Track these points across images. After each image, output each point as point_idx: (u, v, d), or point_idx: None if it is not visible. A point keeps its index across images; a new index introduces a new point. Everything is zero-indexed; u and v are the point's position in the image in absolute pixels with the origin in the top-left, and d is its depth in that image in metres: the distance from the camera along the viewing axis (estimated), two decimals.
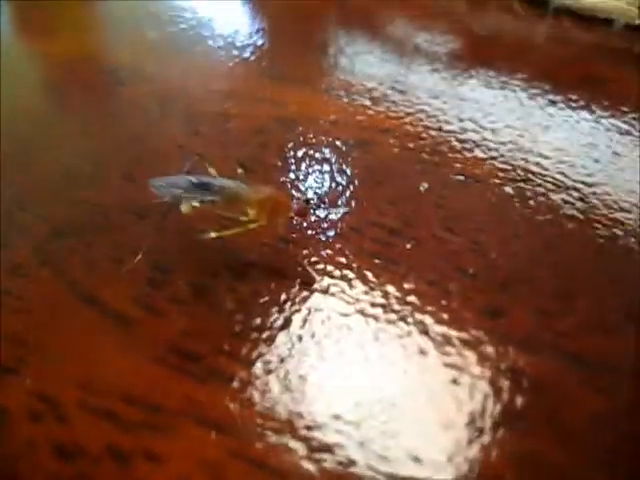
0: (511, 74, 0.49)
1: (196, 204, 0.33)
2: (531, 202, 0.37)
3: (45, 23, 0.57)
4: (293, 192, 0.36)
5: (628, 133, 0.43)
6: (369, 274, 0.34)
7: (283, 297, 0.32)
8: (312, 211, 0.32)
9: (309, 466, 0.26)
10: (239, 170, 0.34)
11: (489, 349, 0.30)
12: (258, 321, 0.31)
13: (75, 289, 0.33)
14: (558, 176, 0.39)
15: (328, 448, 0.27)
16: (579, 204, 0.37)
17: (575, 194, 0.38)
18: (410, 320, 0.31)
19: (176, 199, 0.33)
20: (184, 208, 0.33)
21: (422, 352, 0.30)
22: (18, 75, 0.51)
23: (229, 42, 0.54)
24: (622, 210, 0.36)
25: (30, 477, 0.26)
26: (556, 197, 0.37)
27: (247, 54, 0.52)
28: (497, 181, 0.39)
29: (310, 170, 0.39)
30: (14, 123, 0.45)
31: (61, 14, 0.57)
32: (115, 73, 0.50)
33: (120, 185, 0.39)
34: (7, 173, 0.39)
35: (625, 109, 0.45)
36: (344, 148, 0.41)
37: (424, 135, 0.42)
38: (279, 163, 0.41)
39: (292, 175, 0.40)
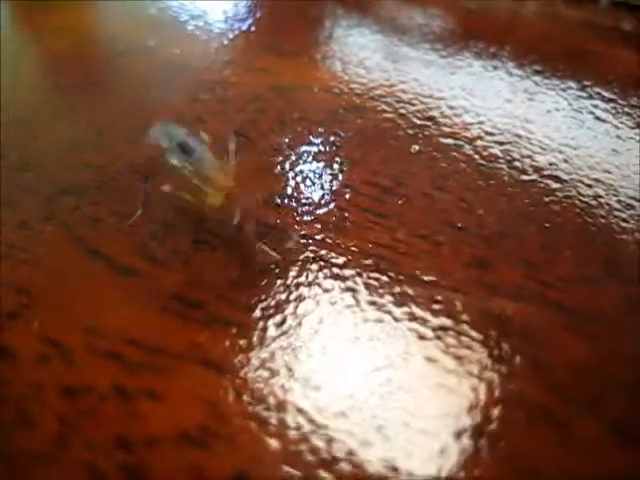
0: (500, 47, 0.49)
1: (175, 162, 0.32)
2: (517, 163, 0.38)
3: None
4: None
5: (611, 100, 0.43)
6: (362, 226, 0.34)
7: (279, 248, 0.32)
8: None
9: (305, 403, 0.27)
10: (231, 145, 0.34)
11: (476, 297, 0.30)
12: (256, 271, 0.32)
13: (79, 243, 0.33)
14: (543, 139, 0.39)
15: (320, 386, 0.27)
16: (563, 165, 0.37)
17: (560, 156, 0.38)
18: (400, 269, 0.32)
19: (161, 149, 0.33)
20: (170, 161, 0.33)
21: (411, 299, 0.31)
22: (21, 48, 0.51)
23: (228, 15, 0.54)
24: (603, 171, 0.37)
25: (38, 416, 0.27)
26: (541, 158, 0.38)
27: (245, 27, 0.52)
28: (485, 144, 0.39)
29: (305, 133, 0.39)
30: (19, 94, 0.45)
31: None
32: (115, 45, 0.50)
33: (123, 149, 0.39)
34: (13, 138, 0.39)
35: (608, 79, 0.45)
36: (338, 112, 0.41)
37: (415, 101, 0.43)
38: (275, 128, 0.40)
39: (287, 139, 0.40)
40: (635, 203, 0.35)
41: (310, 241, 0.33)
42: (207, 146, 0.34)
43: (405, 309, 0.30)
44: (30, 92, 0.46)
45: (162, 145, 0.34)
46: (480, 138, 0.39)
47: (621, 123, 0.41)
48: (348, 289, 0.31)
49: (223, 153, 0.34)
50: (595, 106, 0.43)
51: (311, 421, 0.27)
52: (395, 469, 0.24)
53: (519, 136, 0.40)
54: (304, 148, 0.39)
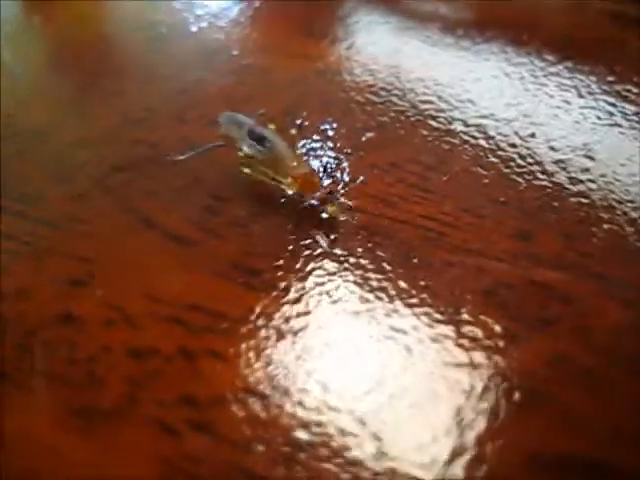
0: (529, 34, 0.49)
1: (247, 151, 0.34)
2: (554, 143, 0.39)
3: None
4: (326, 179, 0.37)
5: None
6: (409, 201, 0.35)
7: (331, 220, 0.33)
8: (332, 203, 0.32)
9: (356, 358, 0.28)
10: (292, 131, 0.35)
11: (520, 265, 0.31)
12: (309, 240, 0.33)
13: (137, 215, 0.34)
14: (576, 122, 0.40)
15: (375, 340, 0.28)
16: (597, 146, 0.39)
17: (594, 137, 0.39)
18: (448, 239, 0.33)
19: (231, 137, 0.35)
20: (242, 152, 0.35)
21: (459, 267, 0.32)
22: (69, 34, 0.52)
23: (269, 2, 0.54)
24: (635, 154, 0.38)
25: (107, 376, 0.28)
26: (576, 139, 0.39)
27: (286, 12, 0.52)
28: (521, 124, 0.41)
29: (349, 114, 0.40)
30: (68, 75, 0.46)
31: None
32: (157, 29, 0.51)
33: (173, 126, 0.40)
34: (68, 118, 0.40)
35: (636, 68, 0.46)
36: (380, 94, 0.42)
37: (452, 84, 0.44)
38: (319, 110, 0.41)
39: (330, 119, 0.41)
40: None
41: (360, 214, 0.33)
42: (276, 135, 0.35)
43: (453, 276, 0.31)
44: (80, 74, 0.46)
45: (232, 135, 0.35)
46: (517, 120, 0.40)
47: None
48: (399, 257, 0.32)
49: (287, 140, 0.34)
50: (625, 97, 0.42)
51: (368, 377, 0.27)
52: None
53: (555, 116, 0.40)
54: (349, 128, 0.39)
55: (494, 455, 0.25)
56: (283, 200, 0.34)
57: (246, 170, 0.34)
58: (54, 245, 0.33)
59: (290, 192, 0.34)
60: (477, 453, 0.25)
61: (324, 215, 0.33)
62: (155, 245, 0.33)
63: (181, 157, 0.36)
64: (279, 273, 0.31)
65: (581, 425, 0.26)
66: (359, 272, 0.31)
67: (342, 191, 0.35)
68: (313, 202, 0.33)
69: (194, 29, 0.50)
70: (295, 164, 0.34)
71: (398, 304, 0.29)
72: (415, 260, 0.31)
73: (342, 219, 0.33)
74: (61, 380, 0.28)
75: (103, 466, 0.25)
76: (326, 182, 0.34)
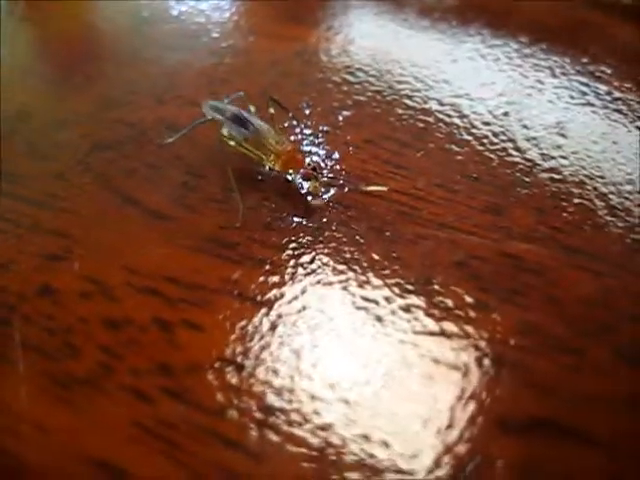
0: (505, 17, 0.49)
1: (232, 133, 0.34)
2: (526, 122, 0.40)
3: None
4: (312, 157, 0.37)
5: (611, 74, 0.44)
6: (383, 176, 0.35)
7: (305, 193, 0.34)
8: (316, 179, 0.33)
9: (332, 332, 0.28)
10: (271, 110, 0.35)
11: (492, 238, 0.32)
12: (285, 214, 0.33)
13: (116, 192, 0.34)
14: (549, 101, 0.41)
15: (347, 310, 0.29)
16: (570, 125, 0.39)
17: (567, 115, 0.39)
18: (420, 214, 0.33)
19: (216, 122, 0.35)
20: (224, 132, 0.35)
21: (431, 241, 0.32)
22: (52, 18, 0.52)
23: None
24: (605, 131, 0.38)
25: (83, 346, 0.28)
26: (549, 117, 0.39)
27: None
28: (496, 103, 0.41)
29: (326, 94, 0.40)
30: (51, 58, 0.46)
31: None
32: (141, 14, 0.51)
33: (153, 107, 0.40)
34: (50, 101, 0.40)
35: (608, 52, 0.46)
36: (357, 75, 0.42)
37: (429, 65, 0.44)
38: (298, 89, 0.41)
39: (309, 99, 0.41)
40: (634, 155, 0.35)
41: (335, 189, 0.33)
42: (258, 116, 0.35)
43: (425, 249, 0.32)
44: (63, 57, 0.46)
45: (216, 119, 0.35)
46: (491, 99, 0.40)
47: (622, 92, 0.41)
48: (372, 231, 0.32)
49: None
50: (598, 77, 0.42)
51: (340, 345, 0.28)
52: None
53: (528, 95, 0.40)
54: (326, 107, 0.39)
55: (465, 420, 0.25)
56: (260, 177, 0.34)
57: (231, 143, 0.34)
58: (35, 222, 0.33)
59: (275, 169, 0.34)
60: (448, 419, 0.25)
61: (305, 190, 0.33)
62: (133, 221, 0.33)
63: (169, 140, 0.36)
64: (254, 246, 0.31)
65: (549, 392, 0.26)
66: (333, 245, 0.32)
67: (324, 167, 0.34)
68: (297, 178, 0.33)
69: (175, 12, 0.49)
70: (278, 142, 0.34)
71: (371, 276, 0.30)
72: (388, 233, 0.31)
73: (323, 195, 0.33)
74: (39, 350, 0.28)
75: (80, 432, 0.25)
76: (308, 159, 0.33)
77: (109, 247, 0.31)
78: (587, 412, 0.25)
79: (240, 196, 0.32)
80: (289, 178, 0.34)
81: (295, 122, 0.38)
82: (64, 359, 0.27)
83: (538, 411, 0.25)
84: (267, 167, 0.34)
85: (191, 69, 0.43)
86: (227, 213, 0.33)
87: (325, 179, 0.34)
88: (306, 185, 0.33)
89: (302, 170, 0.33)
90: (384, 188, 0.32)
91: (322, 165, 0.35)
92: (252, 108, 0.36)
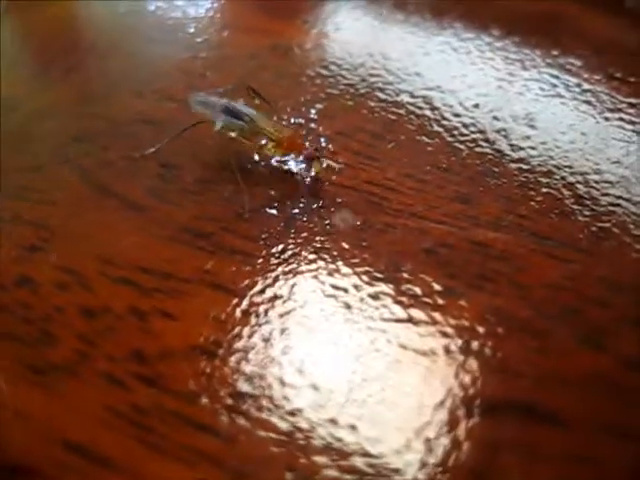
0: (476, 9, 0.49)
1: (228, 125, 0.34)
2: (496, 113, 0.40)
3: None
4: (308, 138, 0.37)
5: (581, 66, 0.44)
6: (354, 167, 0.36)
7: (279, 184, 0.34)
8: (319, 160, 0.33)
9: (303, 319, 0.29)
10: (256, 101, 0.35)
11: (460, 227, 0.32)
12: (258, 205, 0.34)
13: (93, 184, 0.35)
14: (519, 93, 0.42)
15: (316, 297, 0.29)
16: (541, 115, 0.40)
17: (537, 106, 0.40)
18: (389, 204, 0.34)
19: (206, 117, 0.35)
20: (217, 126, 0.35)
21: (400, 229, 0.32)
22: (32, 12, 0.52)
23: None
24: (575, 120, 0.38)
25: (60, 335, 0.28)
26: (518, 108, 0.40)
27: None
28: (467, 95, 0.41)
29: (300, 86, 0.40)
30: (31, 53, 0.46)
31: None
32: (119, 8, 0.51)
33: (130, 101, 0.40)
34: (29, 94, 0.41)
35: (581, 41, 0.46)
36: (330, 68, 0.42)
37: (401, 58, 0.44)
38: (273, 82, 0.42)
39: (283, 92, 0.41)
40: (602, 146, 0.36)
41: (307, 180, 0.34)
42: (249, 106, 0.36)
43: (394, 238, 0.32)
44: (43, 51, 0.46)
45: (206, 115, 0.36)
46: (462, 91, 0.40)
47: (592, 84, 0.42)
48: (342, 220, 0.32)
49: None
50: (568, 70, 0.43)
51: (309, 331, 0.28)
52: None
53: (499, 87, 0.40)
54: (300, 99, 0.39)
55: (432, 404, 0.26)
56: (250, 167, 0.34)
57: (232, 134, 0.34)
58: (14, 214, 0.33)
59: (278, 156, 0.35)
60: (416, 403, 0.26)
61: (312, 173, 0.34)
62: (110, 212, 0.33)
63: (152, 150, 0.36)
64: (228, 236, 0.32)
65: (515, 373, 0.26)
66: (304, 234, 0.32)
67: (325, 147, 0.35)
68: (299, 161, 0.34)
69: (152, 7, 0.50)
70: (276, 129, 0.34)
71: (340, 264, 0.30)
72: (358, 223, 0.31)
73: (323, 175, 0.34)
74: (17, 339, 0.28)
75: (56, 417, 0.26)
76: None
77: (86, 238, 0.31)
78: (552, 393, 0.26)
79: (234, 186, 0.33)
80: (288, 166, 0.34)
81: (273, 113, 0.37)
82: (41, 347, 0.28)
83: (504, 393, 0.26)
84: (267, 154, 0.35)
85: (169, 63, 0.43)
86: (202, 204, 0.33)
87: (329, 160, 0.34)
88: (310, 167, 0.34)
89: (305, 152, 0.33)
90: (336, 165, 0.32)
91: (323, 145, 0.35)
92: (240, 100, 0.35)
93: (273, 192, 0.34)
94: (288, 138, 0.34)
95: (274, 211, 0.33)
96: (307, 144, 0.34)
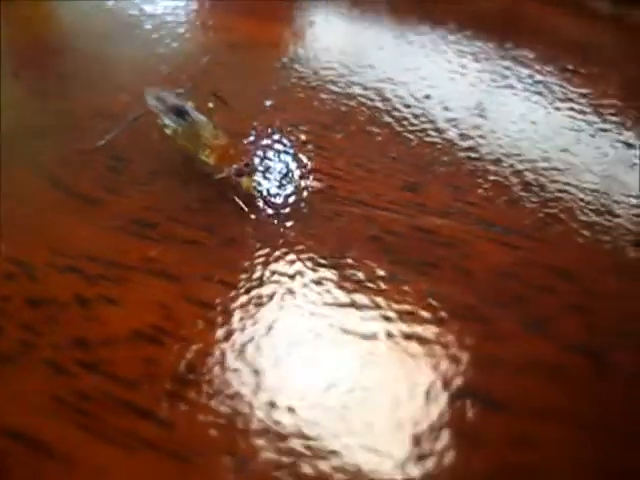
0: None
1: (169, 124, 0.34)
2: (448, 103, 0.41)
3: None
4: (247, 151, 0.37)
5: (537, 60, 0.44)
6: (303, 158, 0.36)
7: (225, 174, 0.33)
8: (248, 176, 0.33)
9: (248, 304, 0.29)
10: (210, 104, 0.35)
11: (406, 214, 0.32)
12: (207, 195, 0.34)
13: (45, 177, 0.34)
14: (470, 84, 0.42)
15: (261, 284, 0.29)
16: (490, 106, 0.40)
17: (487, 98, 0.40)
18: (336, 192, 0.34)
19: (156, 112, 0.35)
20: (163, 121, 0.35)
21: (347, 217, 0.32)
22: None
23: None
24: (525, 111, 0.38)
25: (5, 325, 0.28)
26: (469, 99, 0.40)
27: None
28: (418, 87, 0.41)
29: (254, 82, 0.40)
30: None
31: None
32: (75, 6, 0.51)
33: (84, 96, 0.40)
34: None
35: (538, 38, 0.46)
36: (284, 62, 0.42)
37: (354, 52, 0.44)
38: (227, 78, 0.42)
39: (235, 86, 0.41)
40: (552, 135, 0.36)
41: (255, 168, 0.34)
42: (195, 109, 0.35)
43: (340, 225, 0.32)
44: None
45: (155, 109, 0.35)
46: (413, 83, 0.40)
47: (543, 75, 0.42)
48: (287, 208, 0.33)
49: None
50: (520, 61, 0.43)
51: (251, 317, 0.28)
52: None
53: (451, 79, 0.41)
54: (251, 94, 0.39)
55: (371, 386, 0.26)
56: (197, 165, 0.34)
57: (167, 131, 0.35)
58: None
59: (209, 163, 0.34)
60: (355, 385, 0.26)
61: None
62: (60, 204, 0.33)
63: (102, 142, 0.35)
64: (174, 226, 0.32)
65: (457, 359, 0.27)
66: (249, 222, 0.32)
67: (257, 165, 0.35)
68: (230, 173, 0.33)
69: (110, 4, 0.50)
70: (214, 136, 0.34)
71: (284, 251, 0.30)
72: (304, 211, 0.31)
73: (254, 192, 0.33)
74: None
75: (1, 409, 0.25)
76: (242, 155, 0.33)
77: (34, 230, 0.31)
78: (494, 378, 0.26)
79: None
80: (221, 175, 0.33)
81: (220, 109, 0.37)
82: None
83: (446, 378, 0.26)
84: (201, 160, 0.34)
85: (124, 59, 0.43)
86: (151, 195, 0.33)
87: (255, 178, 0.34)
88: (243, 182, 0.33)
89: (235, 166, 0.33)
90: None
91: (256, 161, 0.35)
92: (190, 103, 0.35)
93: (222, 183, 0.33)
94: (222, 147, 0.34)
95: (221, 203, 0.32)
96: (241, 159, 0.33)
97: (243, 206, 0.31)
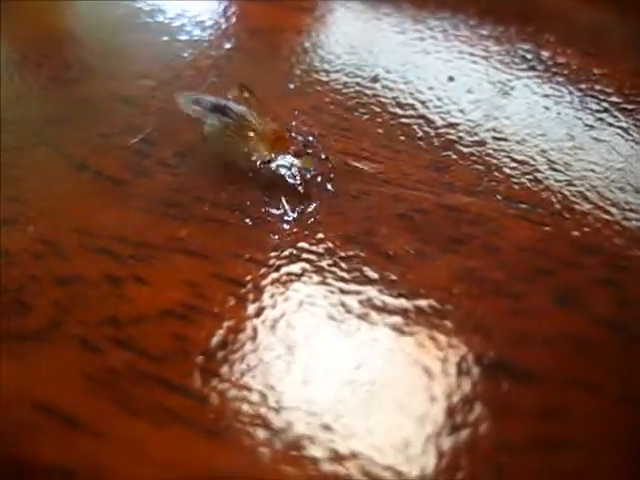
0: None
1: (213, 123, 0.34)
2: (468, 86, 0.39)
3: None
4: (294, 134, 0.37)
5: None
6: (329, 139, 0.36)
7: (254, 158, 0.34)
8: (308, 155, 0.33)
9: (278, 280, 0.28)
10: (245, 94, 0.35)
11: (434, 193, 0.32)
12: (234, 177, 0.34)
13: (70, 160, 0.34)
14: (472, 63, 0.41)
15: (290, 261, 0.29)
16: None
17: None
18: (364, 172, 0.34)
19: (196, 115, 0.35)
20: (206, 128, 0.35)
21: (372, 194, 0.33)
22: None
23: None
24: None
25: (34, 303, 0.28)
26: (494, 80, 0.39)
27: None
28: (441, 69, 0.40)
29: (276, 66, 0.40)
30: (7, 39, 0.46)
31: None
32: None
33: (105, 82, 0.40)
34: (4, 78, 0.40)
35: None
36: (305, 46, 0.42)
37: (371, 35, 0.44)
38: (247, 63, 0.43)
39: (258, 71, 0.42)
40: (575, 114, 0.36)
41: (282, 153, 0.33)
42: (237, 102, 0.35)
43: (368, 204, 0.32)
44: (18, 37, 0.46)
45: (194, 113, 0.35)
46: (436, 65, 0.40)
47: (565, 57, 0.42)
48: (315, 187, 0.33)
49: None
50: (542, 45, 0.43)
51: (282, 293, 0.28)
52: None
53: (473, 62, 0.41)
54: (275, 78, 0.39)
55: (405, 361, 0.27)
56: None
57: (216, 134, 0.34)
58: None
59: (264, 151, 0.33)
60: (389, 361, 0.27)
61: (297, 166, 0.33)
62: (87, 186, 0.33)
63: (134, 140, 0.35)
64: (202, 206, 0.32)
65: (488, 333, 0.27)
66: (277, 201, 0.32)
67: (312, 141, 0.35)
68: (287, 157, 0.33)
69: None
70: (262, 124, 0.34)
71: (313, 229, 0.30)
72: (332, 190, 0.30)
73: (313, 170, 0.33)
74: None
75: (30, 383, 0.26)
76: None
77: (62, 211, 0.31)
78: (525, 351, 0.26)
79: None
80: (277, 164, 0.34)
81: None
82: (15, 316, 0.27)
83: (478, 351, 0.26)
84: (254, 154, 0.34)
85: (144, 46, 0.43)
86: (178, 176, 0.33)
87: (316, 154, 0.34)
88: (303, 161, 0.32)
89: (293, 147, 0.33)
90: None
91: (310, 140, 0.35)
92: (229, 95, 0.34)
93: (248, 164, 0.34)
94: (274, 133, 0.33)
95: (248, 181, 0.32)
96: (295, 141, 0.33)
97: (287, 209, 0.31)
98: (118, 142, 0.36)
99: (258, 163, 0.33)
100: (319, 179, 0.32)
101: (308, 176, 0.32)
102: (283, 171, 0.33)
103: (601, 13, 0.47)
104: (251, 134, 0.33)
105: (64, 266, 0.29)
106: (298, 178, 0.33)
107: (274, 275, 0.29)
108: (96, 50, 0.43)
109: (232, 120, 0.34)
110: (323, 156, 0.33)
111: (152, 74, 0.40)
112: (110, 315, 0.27)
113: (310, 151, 0.33)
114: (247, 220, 0.31)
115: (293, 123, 0.36)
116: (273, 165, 0.33)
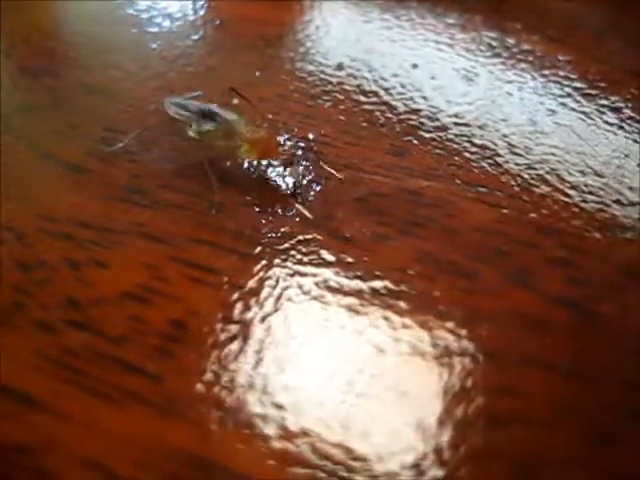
0: None
1: (199, 129, 0.34)
2: (432, 73, 0.40)
3: None
4: (283, 139, 0.37)
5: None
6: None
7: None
8: (297, 163, 0.33)
9: (236, 262, 0.29)
10: (235, 101, 0.35)
11: (393, 177, 0.33)
12: (194, 163, 0.33)
13: (37, 150, 0.35)
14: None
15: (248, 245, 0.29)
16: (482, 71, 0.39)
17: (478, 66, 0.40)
18: (324, 157, 0.34)
19: (182, 120, 0.35)
20: (191, 133, 0.34)
21: (332, 178, 0.33)
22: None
23: None
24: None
25: None
26: (458, 67, 0.39)
27: None
28: (405, 57, 0.40)
29: (240, 55, 0.41)
30: None
31: None
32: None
33: (75, 73, 0.40)
34: None
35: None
36: (268, 37, 0.42)
37: (342, 25, 0.44)
38: (211, 53, 0.43)
39: (221, 62, 0.42)
40: (538, 99, 0.36)
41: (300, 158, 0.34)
42: (223, 108, 0.35)
43: (327, 188, 0.33)
44: None
45: (179, 117, 0.35)
46: (401, 53, 0.41)
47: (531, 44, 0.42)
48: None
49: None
50: (507, 32, 0.43)
51: (239, 275, 0.28)
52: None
53: (439, 50, 0.41)
54: (239, 67, 0.39)
55: (359, 340, 0.27)
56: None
57: (203, 139, 0.34)
58: None
59: (251, 160, 0.34)
60: (343, 342, 0.27)
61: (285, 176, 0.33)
62: (52, 174, 0.33)
63: (120, 145, 0.36)
64: (163, 191, 0.32)
65: (443, 313, 0.27)
66: (235, 186, 0.33)
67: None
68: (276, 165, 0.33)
69: None
70: (250, 132, 0.33)
71: (272, 212, 0.31)
72: (291, 175, 0.31)
73: (301, 181, 0.33)
74: None
75: None
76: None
77: (26, 199, 0.31)
78: (480, 330, 0.27)
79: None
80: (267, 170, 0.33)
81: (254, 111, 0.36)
82: None
83: (433, 332, 0.27)
84: (243, 160, 0.34)
85: (113, 38, 0.43)
86: (140, 163, 0.34)
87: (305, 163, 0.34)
88: (290, 170, 0.33)
89: (281, 157, 0.33)
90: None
91: (300, 146, 0.35)
92: (215, 103, 0.34)
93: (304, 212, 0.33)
94: (261, 141, 0.32)
95: (209, 168, 0.32)
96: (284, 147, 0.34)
97: (307, 213, 0.31)
98: (86, 132, 0.36)
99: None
100: (280, 164, 0.31)
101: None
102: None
103: (571, 1, 0.47)
104: (239, 141, 0.33)
105: (26, 251, 0.30)
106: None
107: (232, 258, 0.29)
108: (66, 41, 0.43)
109: (219, 125, 0.33)
110: (282, 142, 0.33)
111: (121, 65, 0.40)
112: (69, 298, 0.27)
113: (303, 162, 0.33)
114: (207, 205, 0.31)
115: (295, 129, 0.36)
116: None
